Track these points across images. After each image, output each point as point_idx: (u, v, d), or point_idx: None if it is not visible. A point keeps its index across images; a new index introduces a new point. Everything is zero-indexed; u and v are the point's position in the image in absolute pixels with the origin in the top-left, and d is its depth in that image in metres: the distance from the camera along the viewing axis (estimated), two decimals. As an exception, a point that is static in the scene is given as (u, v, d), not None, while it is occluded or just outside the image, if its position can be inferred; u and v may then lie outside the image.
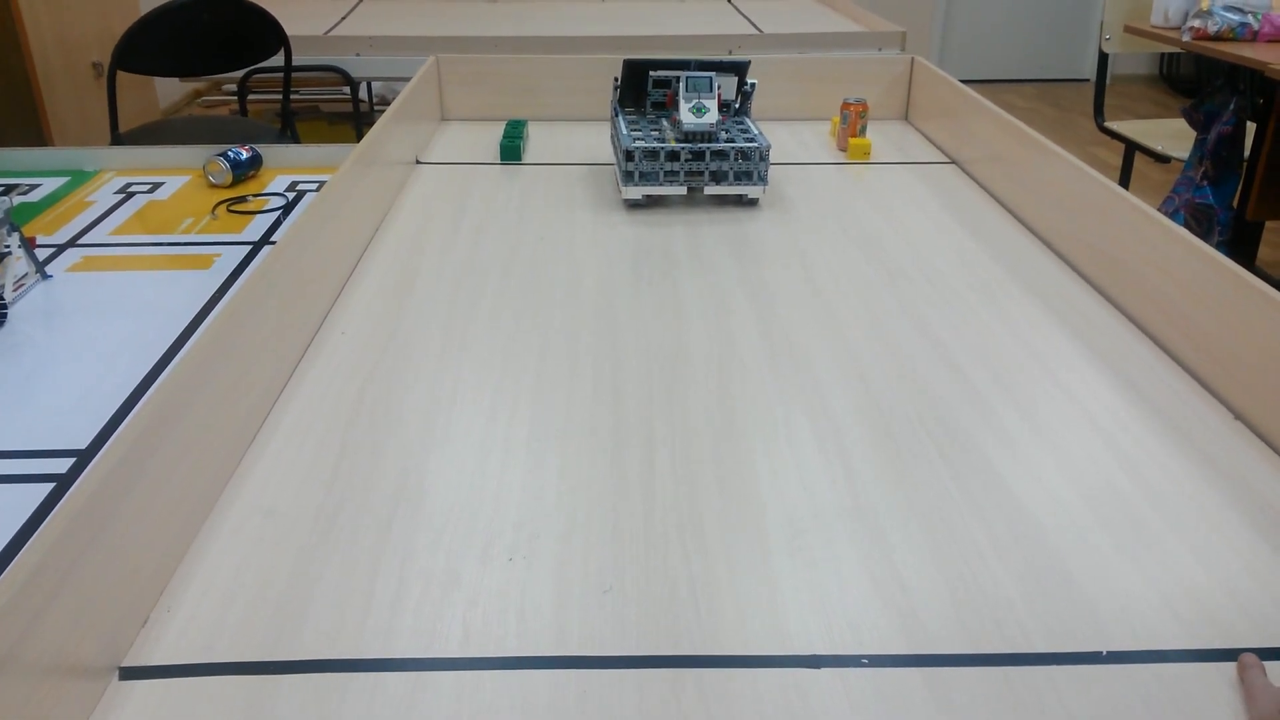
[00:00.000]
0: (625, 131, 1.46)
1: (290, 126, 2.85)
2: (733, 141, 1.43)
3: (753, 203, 1.47)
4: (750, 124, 1.50)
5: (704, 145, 1.41)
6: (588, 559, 0.78)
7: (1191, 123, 1.86)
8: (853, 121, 1.80)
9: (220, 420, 0.87)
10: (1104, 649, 0.69)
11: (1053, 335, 1.13)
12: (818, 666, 0.68)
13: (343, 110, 4.00)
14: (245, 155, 1.68)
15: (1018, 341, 1.11)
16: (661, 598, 0.74)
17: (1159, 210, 1.92)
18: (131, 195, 1.64)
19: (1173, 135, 2.42)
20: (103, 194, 1.64)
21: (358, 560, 0.78)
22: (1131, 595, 0.74)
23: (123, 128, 2.70)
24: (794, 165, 1.74)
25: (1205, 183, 1.65)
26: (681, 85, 1.41)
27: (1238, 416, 0.97)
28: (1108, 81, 2.89)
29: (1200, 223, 1.68)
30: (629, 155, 1.42)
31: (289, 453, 0.91)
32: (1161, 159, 2.37)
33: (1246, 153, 1.74)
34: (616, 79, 1.52)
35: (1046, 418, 0.97)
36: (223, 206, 1.57)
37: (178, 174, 1.73)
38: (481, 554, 0.79)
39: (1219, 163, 1.66)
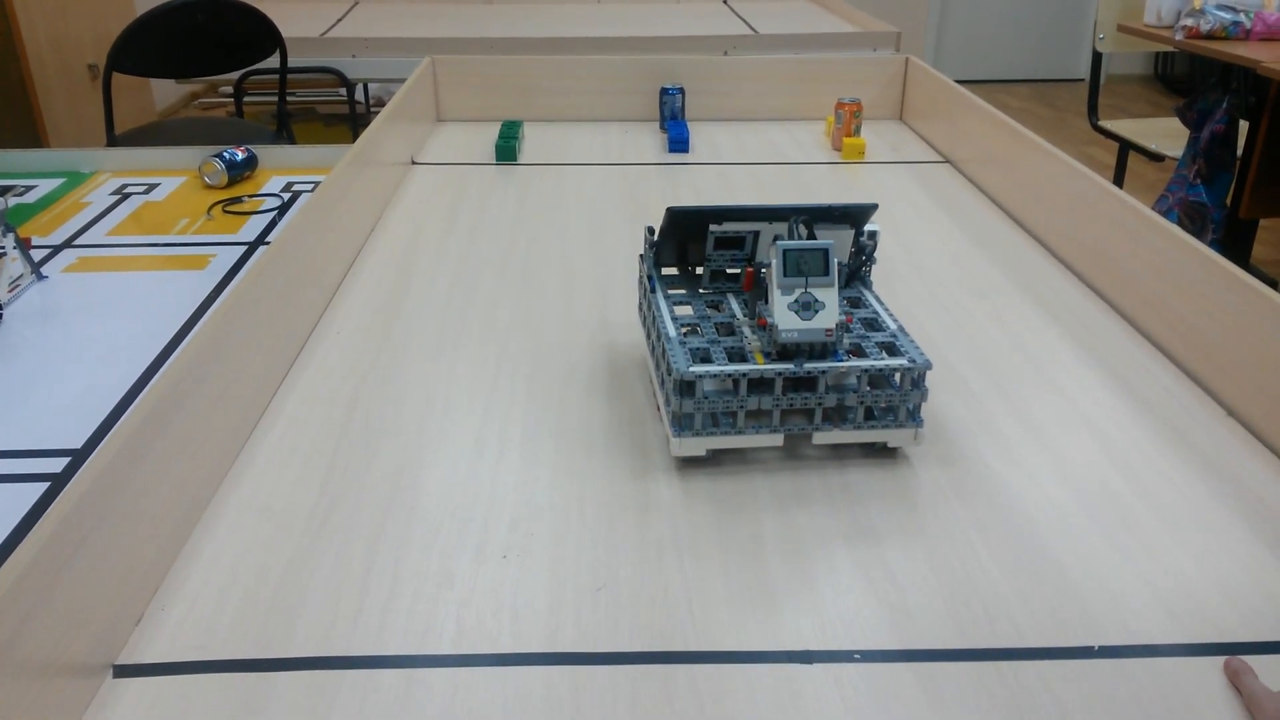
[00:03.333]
0: (673, 333, 0.88)
1: (286, 128, 2.85)
2: (864, 356, 0.87)
3: (892, 451, 0.90)
4: (876, 304, 0.96)
5: (816, 366, 0.84)
6: (581, 557, 0.78)
7: (1185, 121, 1.87)
8: (847, 121, 1.81)
9: (214, 420, 0.87)
10: (1095, 644, 0.70)
11: (1046, 334, 1.13)
12: (810, 662, 0.68)
13: (339, 112, 4.01)
14: (240, 156, 1.68)
15: (1011, 340, 1.12)
16: (654, 595, 0.74)
17: (1153, 209, 1.93)
18: (127, 196, 1.64)
19: (1166, 134, 2.43)
20: (98, 195, 1.64)
21: (351, 558, 0.78)
22: (1123, 590, 0.75)
23: (118, 130, 2.70)
24: (788, 165, 1.74)
25: (1198, 181, 1.65)
26: (776, 262, 0.83)
27: (1230, 413, 0.97)
28: (1102, 81, 2.89)
29: (1194, 221, 1.68)
30: (686, 388, 0.84)
31: (283, 452, 0.91)
32: (1155, 158, 2.37)
33: (1239, 151, 1.75)
34: (651, 231, 0.96)
35: (1040, 416, 0.97)
36: (218, 207, 1.57)
37: (173, 175, 1.73)
38: (475, 552, 0.79)
39: (1212, 161, 1.66)
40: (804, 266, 0.83)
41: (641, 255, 1.00)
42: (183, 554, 0.79)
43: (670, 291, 0.98)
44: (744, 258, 0.96)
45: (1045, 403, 0.99)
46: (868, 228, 0.97)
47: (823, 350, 0.85)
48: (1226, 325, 0.99)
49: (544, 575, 0.76)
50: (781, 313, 0.83)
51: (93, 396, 1.04)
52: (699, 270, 1.00)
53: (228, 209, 1.57)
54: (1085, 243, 1.27)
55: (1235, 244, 1.68)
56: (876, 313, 0.95)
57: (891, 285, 1.25)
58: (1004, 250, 1.37)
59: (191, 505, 0.82)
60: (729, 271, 0.99)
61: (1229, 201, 1.68)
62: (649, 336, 0.98)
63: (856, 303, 0.97)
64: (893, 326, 0.92)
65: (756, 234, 0.93)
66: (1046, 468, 0.89)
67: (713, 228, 0.93)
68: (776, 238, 0.88)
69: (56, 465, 0.92)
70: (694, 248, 0.98)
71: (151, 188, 1.68)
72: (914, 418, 0.87)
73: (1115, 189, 1.24)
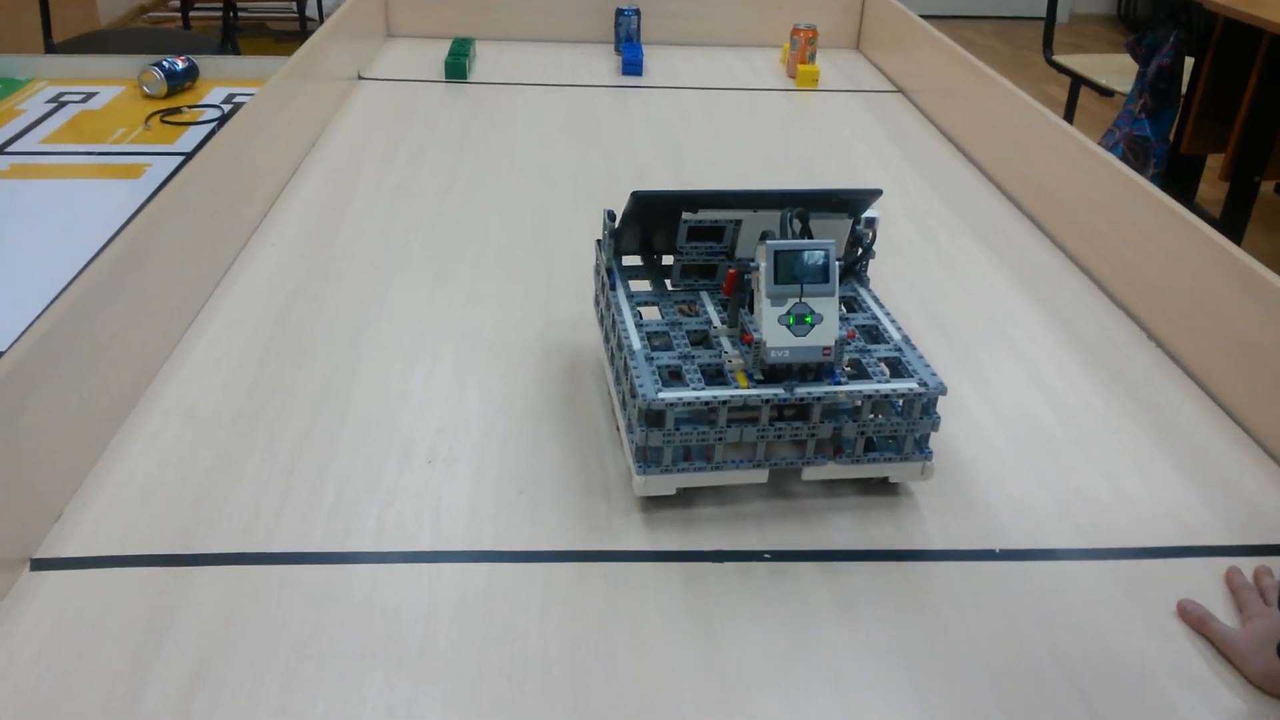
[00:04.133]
0: (638, 346, 0.74)
1: (231, 40, 2.78)
2: (865, 376, 0.74)
3: (893, 487, 0.78)
4: (875, 308, 0.82)
5: (810, 390, 0.70)
6: (505, 464, 0.79)
7: (1134, 56, 1.87)
8: (802, 48, 1.80)
9: (140, 323, 0.86)
10: (998, 547, 0.72)
11: (985, 265, 1.15)
12: (720, 560, 0.70)
13: (290, 29, 3.90)
14: (181, 66, 1.64)
15: (949, 270, 1.13)
16: (576, 500, 0.75)
17: (1100, 143, 1.94)
18: (64, 104, 1.59)
19: (1119, 70, 2.43)
20: (34, 103, 1.60)
21: (276, 461, 0.78)
22: (1029, 501, 0.77)
23: (60, 40, 2.61)
24: (743, 91, 1.73)
25: (1143, 116, 1.67)
26: (766, 266, 0.70)
27: (1152, 339, 1.00)
28: (1066, 19, 2.88)
29: (1137, 155, 1.70)
30: (653, 417, 0.70)
31: (213, 358, 0.91)
32: (1105, 93, 2.38)
33: (1184, 87, 1.76)
34: (611, 215, 0.82)
35: (972, 344, 0.99)
36: (156, 117, 1.54)
37: (112, 84, 1.68)
38: (401, 458, 0.79)
39: (1157, 95, 1.67)
40: (798, 271, 0.69)
41: (599, 241, 0.84)
42: (106, 454, 0.78)
43: (634, 288, 0.82)
44: (722, 251, 0.81)
45: (979, 332, 1.01)
46: (865, 214, 0.82)
47: (818, 371, 0.71)
48: (1149, 252, 1.01)
49: (467, 480, 0.77)
50: (770, 327, 0.69)
51: (22, 301, 1.02)
52: (668, 260, 0.84)
53: (166, 119, 1.53)
54: (1028, 175, 1.28)
55: (1177, 180, 1.70)
56: (877, 319, 0.80)
57: (833, 209, 1.25)
58: (949, 182, 1.37)
59: (115, 406, 0.82)
60: (705, 263, 0.82)
61: (1172, 137, 1.70)
62: (607, 341, 0.83)
63: (852, 305, 0.83)
64: (896, 337, 0.78)
65: (738, 224, 0.78)
66: (973, 392, 0.91)
67: (686, 216, 0.77)
68: (765, 235, 0.73)
69: (-20, 368, 0.91)
70: (662, 233, 0.81)
71: (89, 96, 1.64)
72: (921, 449, 0.74)
73: (1058, 120, 1.24)
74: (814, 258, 0.70)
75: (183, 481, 0.76)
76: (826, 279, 0.70)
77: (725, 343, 0.76)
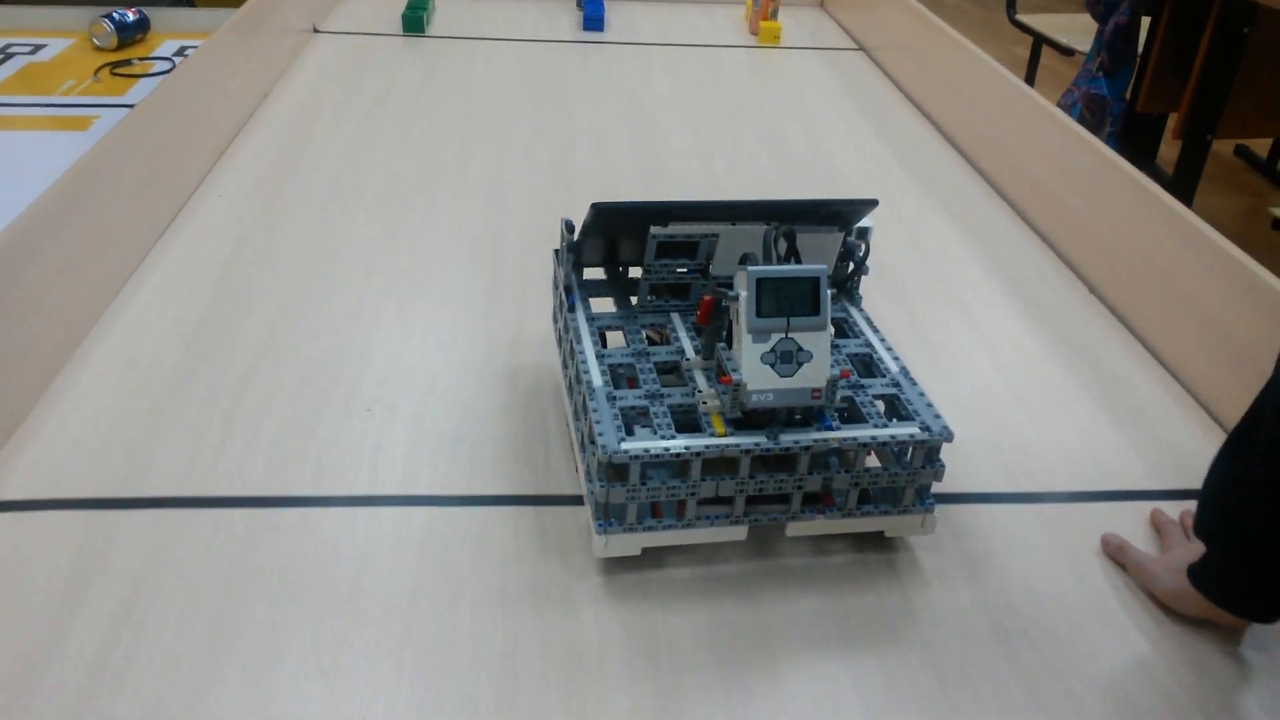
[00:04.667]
0: (599, 382, 0.66)
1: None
2: (859, 418, 0.66)
3: (889, 541, 0.69)
4: (869, 332, 0.74)
5: (797, 438, 0.62)
6: (446, 413, 0.79)
7: (1093, 14, 1.88)
8: (764, 4, 1.78)
9: (77, 272, 0.86)
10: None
11: (935, 221, 1.15)
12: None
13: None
14: (132, 18, 1.61)
15: (900, 226, 1.13)
16: (515, 448, 0.76)
17: (1059, 103, 1.95)
18: (10, 56, 1.56)
19: (1081, 29, 2.42)
20: (-21, 54, 1.57)
21: (214, 409, 0.78)
22: (961, 447, 0.78)
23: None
24: (704, 48, 1.72)
25: (1100, 74, 1.67)
26: (747, 297, 0.61)
27: (1094, 293, 1.01)
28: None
29: (1094, 114, 1.71)
30: (616, 471, 0.61)
31: (155, 308, 0.90)
32: (1066, 51, 2.38)
33: (1141, 46, 1.76)
34: (570, 227, 0.72)
35: (918, 298, 1.00)
36: (106, 69, 1.51)
37: (61, 36, 1.65)
38: (342, 406, 0.79)
39: (1114, 54, 1.68)
40: (785, 302, 0.60)
41: (557, 253, 0.75)
42: (42, 401, 0.78)
43: (596, 307, 0.73)
44: (696, 269, 0.72)
45: (926, 286, 1.02)
46: (860, 225, 0.74)
47: (805, 414, 0.63)
48: (1096, 206, 1.02)
49: (407, 427, 0.77)
50: (753, 366, 0.60)
51: (-40, 252, 1.01)
52: (635, 271, 0.76)
53: (116, 71, 1.51)
54: (984, 133, 1.29)
55: (1133, 139, 1.71)
56: (871, 347, 0.72)
57: (790, 171, 1.25)
58: (904, 139, 1.38)
59: (52, 355, 0.81)
60: (676, 282, 0.73)
61: (1128, 95, 1.71)
62: (566, 367, 0.74)
63: (842, 329, 0.74)
64: (894, 370, 0.69)
65: (714, 238, 0.69)
66: (915, 341, 0.92)
67: (655, 230, 0.68)
68: (745, 258, 0.63)
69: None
70: (629, 244, 0.74)
71: (38, 48, 1.60)
72: (922, 499, 0.66)
73: (1013, 78, 1.25)
74: (802, 286, 0.61)
75: (119, 427, 0.75)
76: (817, 310, 0.61)
77: (699, 377, 0.67)
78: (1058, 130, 1.10)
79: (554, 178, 1.18)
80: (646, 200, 0.67)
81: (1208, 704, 0.58)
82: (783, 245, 0.65)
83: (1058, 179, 1.09)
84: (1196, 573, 0.62)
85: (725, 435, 0.62)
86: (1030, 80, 2.34)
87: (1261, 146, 2.38)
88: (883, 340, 0.73)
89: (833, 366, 0.62)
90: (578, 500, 0.71)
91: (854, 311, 0.76)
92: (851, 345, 0.72)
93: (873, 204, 0.70)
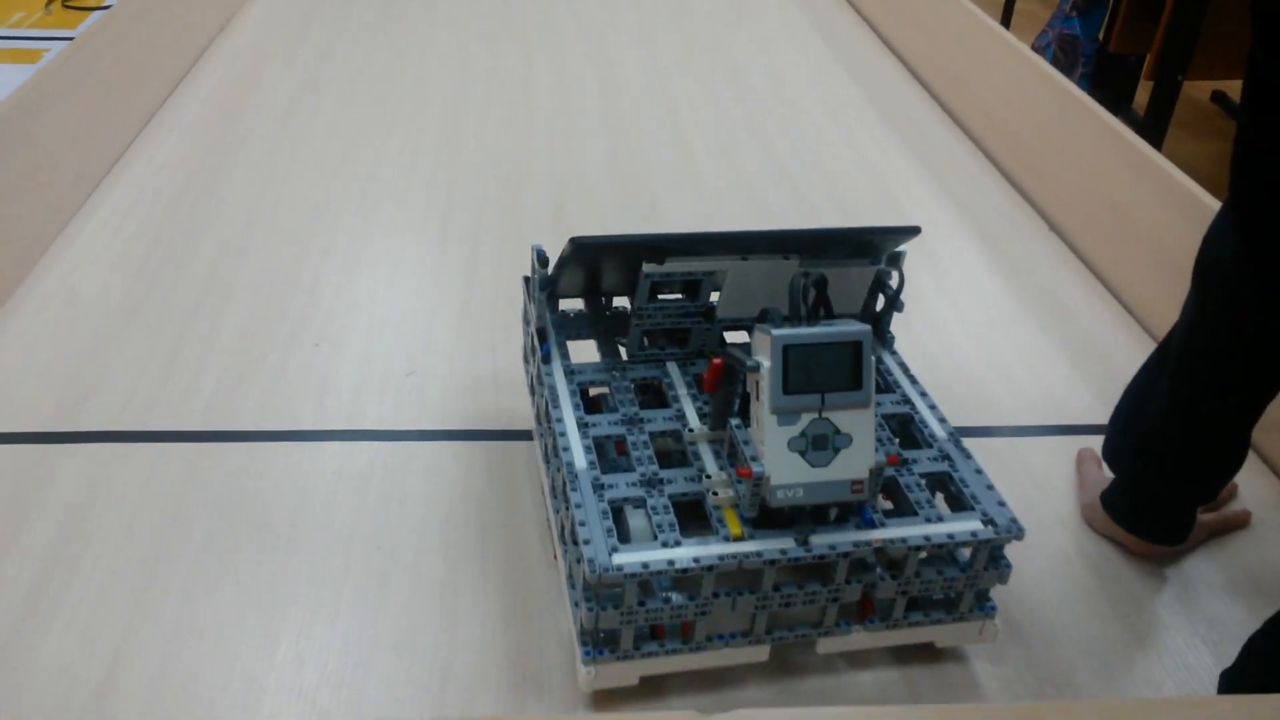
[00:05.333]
0: (582, 463, 0.54)
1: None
2: (906, 507, 0.54)
3: (937, 652, 0.57)
4: (907, 386, 0.61)
5: (834, 541, 0.50)
6: (396, 347, 0.78)
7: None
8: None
9: (16, 206, 0.84)
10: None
11: (895, 155, 1.14)
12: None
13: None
14: (84, -52, 1.56)
15: (858, 158, 1.12)
16: (464, 383, 0.75)
17: (1033, 45, 1.93)
18: (-42, -12, 1.52)
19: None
20: (-74, -15, 1.52)
21: (157, 344, 0.77)
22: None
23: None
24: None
25: (1074, 14, 1.65)
26: (771, 368, 0.48)
27: (1054, 229, 1.00)
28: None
29: (1067, 55, 1.69)
30: (607, 591, 0.49)
31: (100, 242, 0.89)
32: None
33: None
34: (542, 257, 0.59)
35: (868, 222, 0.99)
36: (57, 2, 1.47)
37: (11, -33, 1.60)
38: (287, 340, 0.78)
39: (1088, -7, 1.66)
40: (819, 374, 0.48)
41: (527, 284, 0.62)
42: (-19, 336, 0.77)
43: (573, 352, 0.60)
44: (698, 311, 0.59)
45: (881, 219, 1.01)
46: (896, 249, 0.60)
47: (843, 510, 0.52)
48: (1055, 143, 1.01)
49: (354, 362, 0.77)
50: (778, 455, 0.48)
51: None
52: (619, 301, 0.64)
53: (68, 4, 1.47)
54: (949, 67, 1.27)
55: (1106, 80, 1.70)
56: (911, 405, 0.59)
57: (749, 103, 1.23)
58: (870, 75, 1.35)
59: (-8, 289, 0.80)
60: (674, 327, 0.60)
61: (1101, 36, 1.69)
62: (540, 423, 0.61)
63: (890, 396, 0.60)
64: (941, 435, 0.57)
65: (721, 274, 0.57)
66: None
67: (648, 268, 0.56)
68: (766, 314, 0.50)
69: None
70: (615, 275, 0.60)
71: (-13, -21, 1.55)
72: (982, 604, 0.54)
73: (981, 14, 1.23)
74: (841, 354, 0.48)
75: (59, 361, 0.74)
76: (859, 383, 0.49)
77: (705, 454, 0.54)
78: (1024, 67, 1.09)
79: (510, 121, 1.16)
80: (637, 234, 0.56)
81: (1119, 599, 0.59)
82: (812, 293, 0.50)
83: (1022, 117, 1.08)
84: (1107, 497, 0.63)
85: (742, 538, 0.49)
86: (1006, 22, 2.31)
87: (1238, 93, 2.37)
88: (924, 395, 0.60)
89: (877, 451, 0.49)
90: (526, 435, 0.70)
91: (888, 358, 0.62)
92: (886, 403, 0.59)
93: (914, 232, 0.57)
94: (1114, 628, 0.58)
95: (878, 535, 0.50)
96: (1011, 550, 0.53)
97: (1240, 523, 0.66)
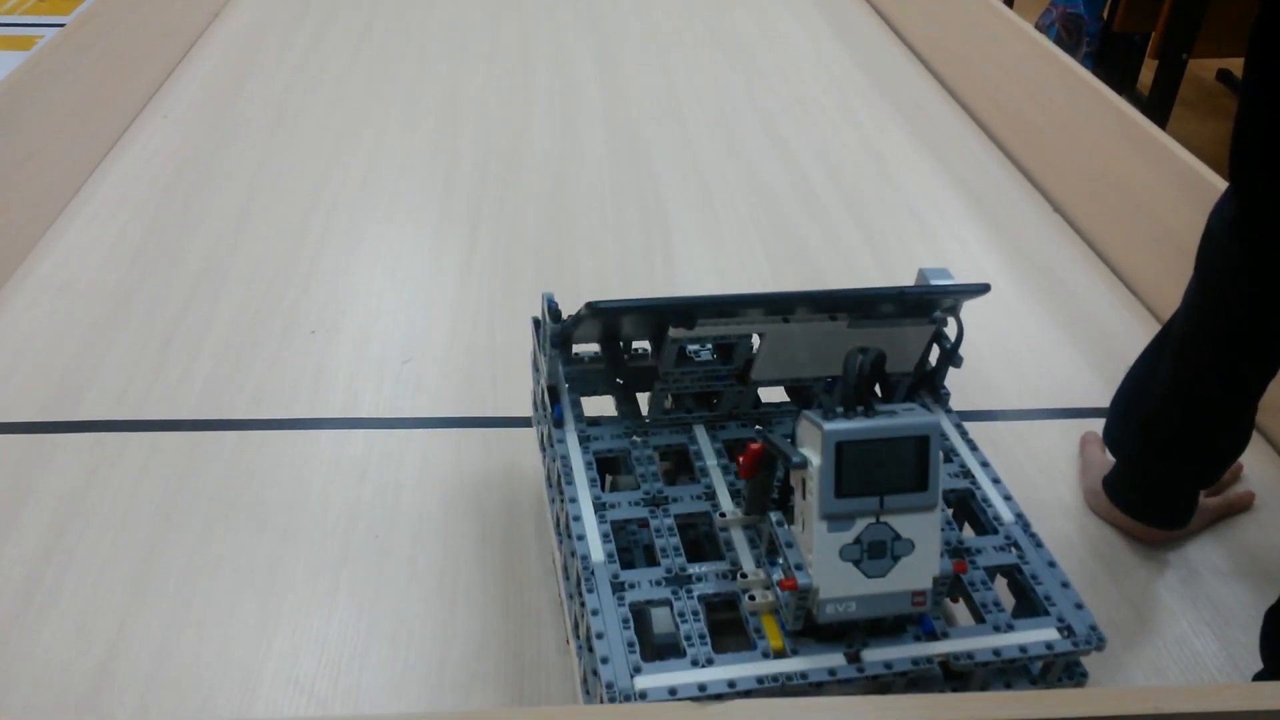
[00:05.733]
0: (599, 556, 0.48)
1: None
2: (982, 627, 0.47)
3: None
4: (968, 455, 0.55)
5: (891, 658, 0.45)
6: (392, 334, 0.78)
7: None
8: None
9: (13, 194, 0.83)
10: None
11: (898, 136, 1.13)
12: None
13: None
14: (77, -67, 1.54)
15: (860, 139, 1.11)
16: (461, 370, 0.75)
17: (1037, 24, 1.91)
18: (-49, -26, 1.50)
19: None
20: (-81, -28, 1.50)
21: (152, 332, 0.76)
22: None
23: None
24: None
25: (1078, -8, 1.64)
26: (822, 468, 0.42)
27: (1058, 210, 0.99)
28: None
29: (1071, 34, 1.67)
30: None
31: (95, 230, 0.88)
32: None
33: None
34: (554, 310, 0.53)
35: (869, 203, 0.98)
36: (51, -12, 1.46)
37: (5, -47, 1.59)
38: (284, 328, 0.78)
39: (1092, -29, 1.65)
40: (878, 474, 0.43)
41: (536, 325, 0.56)
42: (-26, 326, 0.76)
43: (587, 407, 0.55)
44: (731, 373, 0.54)
45: (882, 197, 1.00)
46: (952, 314, 0.54)
47: (898, 623, 0.46)
48: (1061, 124, 1.00)
49: (351, 349, 0.76)
50: (828, 564, 0.43)
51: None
52: (639, 354, 0.57)
53: (61, -11, 1.45)
54: (952, 47, 1.25)
55: (1110, 60, 1.68)
56: (973, 480, 0.53)
57: (751, 83, 1.22)
58: (868, 49, 1.34)
59: (-15, 278, 0.79)
60: (704, 390, 0.55)
61: (1105, 15, 1.67)
62: (550, 485, 0.56)
63: (957, 471, 0.54)
64: (1008, 517, 0.51)
65: (757, 337, 0.52)
66: (869, 257, 0.90)
67: (675, 333, 0.51)
68: (819, 401, 0.48)
69: None
70: (634, 329, 0.55)
71: (-20, -34, 1.54)
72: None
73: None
74: (904, 452, 0.43)
75: (54, 351, 0.74)
76: (924, 484, 0.43)
77: (740, 543, 0.48)
78: (1027, 46, 1.07)
79: (510, 102, 1.15)
80: (663, 299, 0.50)
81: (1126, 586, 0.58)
82: (865, 370, 0.43)
83: (1026, 96, 1.07)
84: (1109, 482, 0.63)
85: (784, 653, 0.44)
86: (1009, 1, 2.29)
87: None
88: (985, 464, 0.53)
89: (942, 559, 0.44)
90: (525, 422, 0.69)
91: (944, 418, 0.55)
92: (950, 475, 0.52)
93: (982, 290, 0.51)
94: (1118, 613, 0.58)
95: (940, 649, 0.44)
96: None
97: (1244, 505, 0.65)
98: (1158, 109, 1.41)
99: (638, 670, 0.43)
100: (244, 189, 0.95)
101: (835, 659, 0.44)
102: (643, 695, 0.42)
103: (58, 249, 0.85)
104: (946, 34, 1.26)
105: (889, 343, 0.51)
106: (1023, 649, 0.45)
